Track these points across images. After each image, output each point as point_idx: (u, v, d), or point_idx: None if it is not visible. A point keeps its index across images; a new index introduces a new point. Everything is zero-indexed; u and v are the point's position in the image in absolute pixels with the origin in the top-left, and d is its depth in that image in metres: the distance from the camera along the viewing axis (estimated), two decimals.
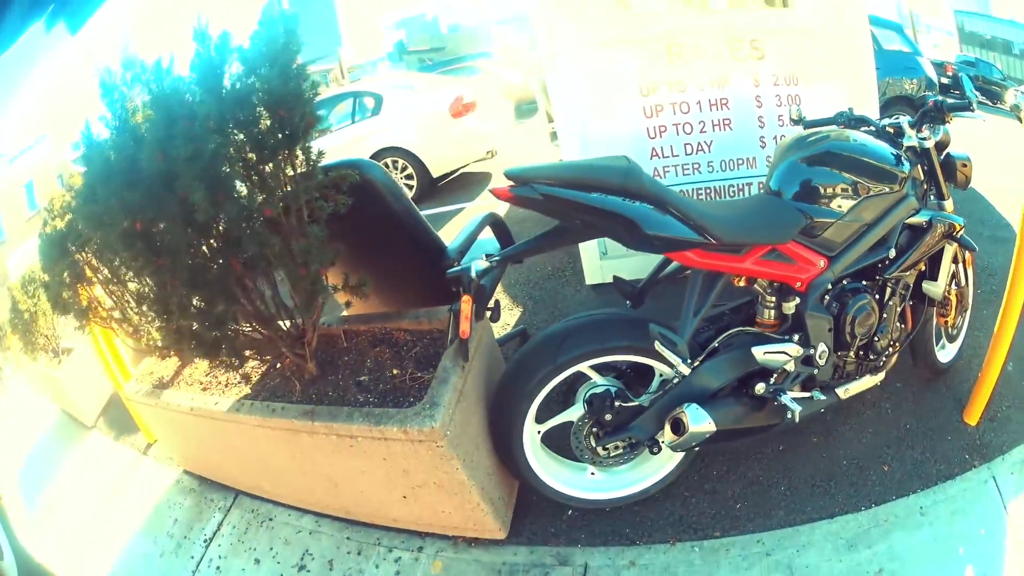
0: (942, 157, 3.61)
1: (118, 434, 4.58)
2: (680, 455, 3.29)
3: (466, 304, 2.70)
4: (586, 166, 2.78)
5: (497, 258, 2.81)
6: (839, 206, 3.10)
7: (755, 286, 3.11)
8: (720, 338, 3.01)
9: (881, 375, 3.45)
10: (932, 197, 3.65)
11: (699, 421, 2.81)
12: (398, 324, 3.42)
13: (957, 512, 3.23)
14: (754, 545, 3.19)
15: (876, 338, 3.25)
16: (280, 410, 2.98)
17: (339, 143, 9.94)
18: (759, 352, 2.91)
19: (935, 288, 3.45)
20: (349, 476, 3.08)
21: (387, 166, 9.55)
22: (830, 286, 3.12)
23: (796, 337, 3.05)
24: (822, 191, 3.09)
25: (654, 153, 4.71)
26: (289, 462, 3.21)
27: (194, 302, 2.85)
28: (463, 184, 10.89)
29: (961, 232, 3.54)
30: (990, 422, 3.82)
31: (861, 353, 3.29)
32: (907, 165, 3.35)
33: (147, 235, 2.72)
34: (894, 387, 4.03)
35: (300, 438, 2.99)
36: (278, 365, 3.32)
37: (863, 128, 3.62)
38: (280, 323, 3.06)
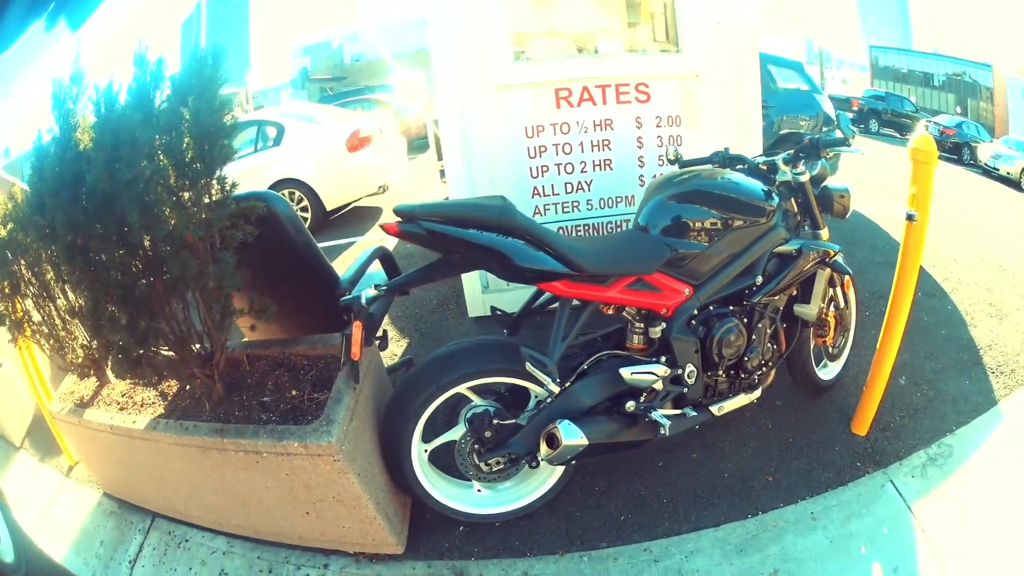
0: (819, 190, 3.90)
1: (43, 455, 4.65)
2: (559, 471, 3.50)
3: (356, 329, 2.87)
4: (465, 204, 3.02)
5: (385, 288, 3.01)
6: (704, 239, 3.37)
7: (624, 313, 3.37)
8: (589, 360, 3.28)
9: (757, 393, 3.70)
10: (807, 227, 3.95)
11: (571, 436, 3.02)
12: (296, 349, 3.59)
13: (853, 515, 3.47)
14: (642, 553, 3.36)
15: (746, 358, 3.50)
16: (192, 428, 3.10)
17: (242, 171, 9.83)
18: (626, 372, 3.17)
19: (807, 311, 3.72)
20: (257, 493, 3.21)
21: (286, 197, 9.83)
22: (696, 311, 3.39)
23: (663, 359, 3.32)
24: (687, 225, 3.36)
25: (535, 192, 4.93)
26: (202, 480, 3.33)
27: (122, 318, 2.97)
28: (355, 218, 11.13)
29: (836, 258, 3.82)
30: (883, 431, 4.11)
31: (732, 373, 3.55)
32: (776, 199, 3.63)
33: (86, 251, 2.87)
34: (775, 405, 4.30)
35: (211, 455, 3.11)
36: (187, 387, 3.45)
37: (737, 166, 3.91)
38: (192, 346, 3.20)
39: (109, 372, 3.53)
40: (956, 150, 25.78)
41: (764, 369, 3.67)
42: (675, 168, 3.92)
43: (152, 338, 3.04)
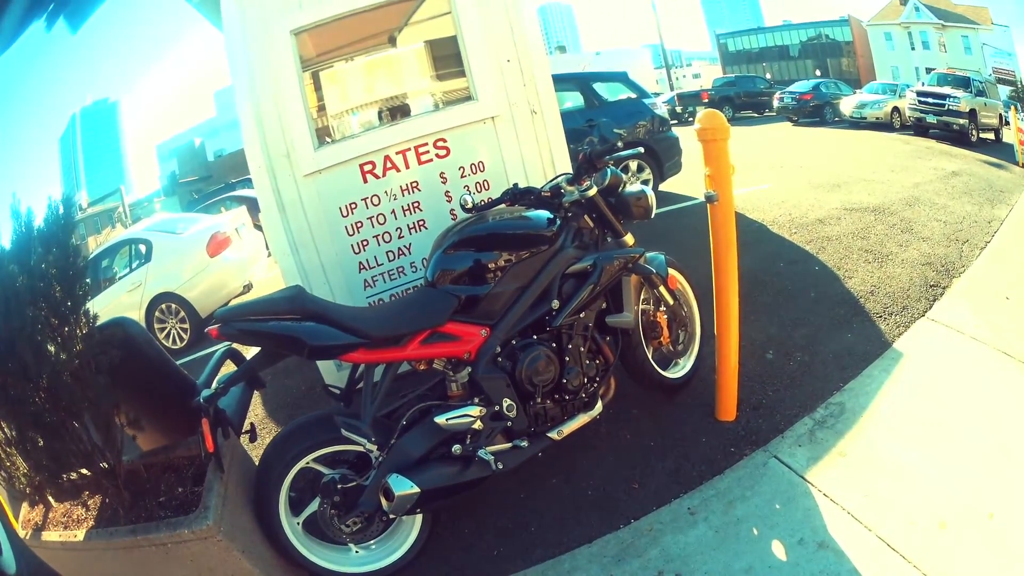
0: (614, 199, 3.96)
1: None
2: (418, 521, 3.58)
3: (204, 426, 3.07)
4: (263, 301, 3.22)
5: (222, 384, 3.19)
6: (487, 280, 3.46)
7: (434, 366, 3.44)
8: (408, 415, 3.34)
9: (597, 408, 3.74)
10: (610, 238, 4.01)
11: (402, 487, 3.13)
12: (176, 454, 3.74)
13: (736, 500, 3.47)
14: None
15: (564, 381, 3.55)
16: (114, 532, 3.29)
17: (124, 290, 10.26)
18: (441, 420, 3.26)
19: (621, 320, 3.77)
20: None
21: (164, 311, 10.00)
22: (499, 348, 3.46)
23: (477, 400, 3.38)
24: (466, 271, 3.49)
25: (361, 266, 4.95)
26: None
27: (40, 442, 3.22)
28: None
29: (639, 262, 3.86)
30: (755, 411, 4.14)
31: (556, 397, 3.59)
32: (557, 223, 3.69)
33: (4, 387, 3.12)
34: (631, 414, 4.31)
35: (134, 554, 3.28)
36: (106, 500, 3.56)
37: (527, 199, 3.97)
38: (99, 463, 3.35)
39: (49, 497, 3.65)
40: (817, 112, 26.46)
41: (593, 386, 3.72)
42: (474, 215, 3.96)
43: (65, 458, 3.26)
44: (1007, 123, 18.84)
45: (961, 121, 18.68)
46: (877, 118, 22.66)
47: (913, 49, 41.46)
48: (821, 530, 3.16)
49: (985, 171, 11.86)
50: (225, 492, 3.27)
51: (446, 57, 5.46)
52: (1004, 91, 25.35)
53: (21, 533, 3.81)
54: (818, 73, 46.14)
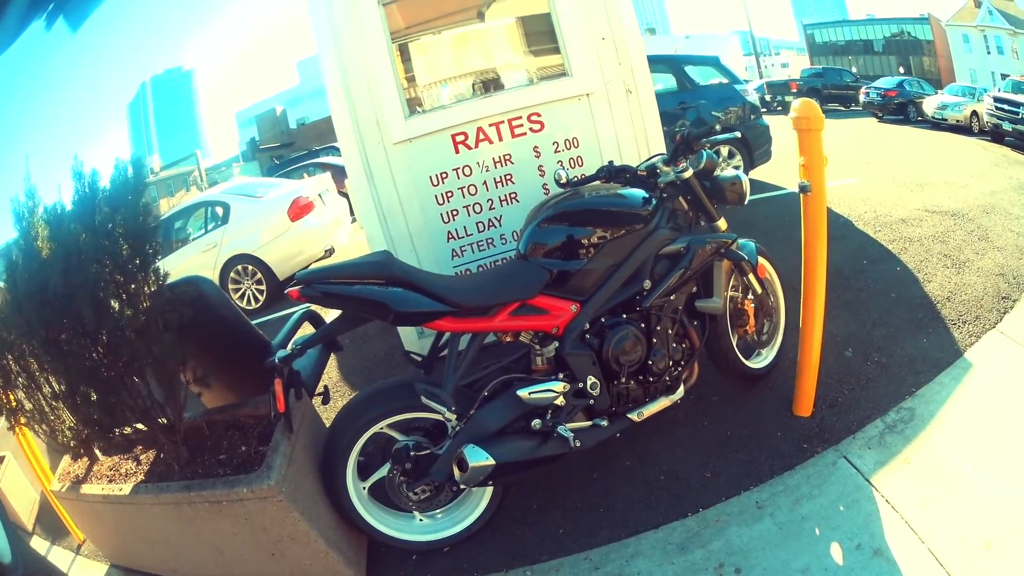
0: (709, 182, 3.92)
1: (54, 537, 4.72)
2: (488, 494, 3.61)
3: (277, 386, 3.10)
4: (350, 264, 3.24)
5: (299, 346, 3.23)
6: (580, 255, 3.46)
7: (521, 339, 3.46)
8: (490, 386, 3.36)
9: (679, 393, 3.72)
10: (703, 221, 3.99)
11: (477, 458, 3.14)
12: (243, 411, 3.81)
13: (803, 498, 3.43)
14: (582, 562, 3.39)
15: (650, 363, 3.54)
16: (165, 487, 3.34)
17: (198, 250, 10.46)
18: (524, 393, 3.27)
19: (710, 304, 3.74)
20: (227, 540, 3.40)
21: (240, 272, 10.13)
22: (588, 325, 3.46)
23: (561, 376, 3.39)
24: (560, 246, 3.49)
25: (450, 236, 5.02)
26: (183, 537, 3.54)
27: (93, 397, 3.29)
28: None
29: (732, 247, 3.84)
30: (830, 408, 4.07)
31: (641, 378, 3.58)
32: (653, 203, 3.67)
33: (58, 342, 3.21)
34: (711, 401, 4.30)
35: (184, 510, 3.35)
36: (160, 455, 3.66)
37: (622, 177, 3.97)
38: (157, 418, 3.44)
39: (96, 451, 3.74)
40: (901, 109, 25.84)
41: (678, 369, 3.70)
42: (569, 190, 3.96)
43: (120, 413, 3.35)
44: None
45: None
46: (957, 120, 22.19)
47: (989, 53, 40.69)
48: (879, 536, 3.13)
49: None
50: (292, 453, 3.32)
51: (539, 33, 5.46)
52: None
53: (56, 486, 3.92)
54: (902, 70, 45.37)
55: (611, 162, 4.11)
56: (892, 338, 4.82)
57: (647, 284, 3.58)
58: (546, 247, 3.49)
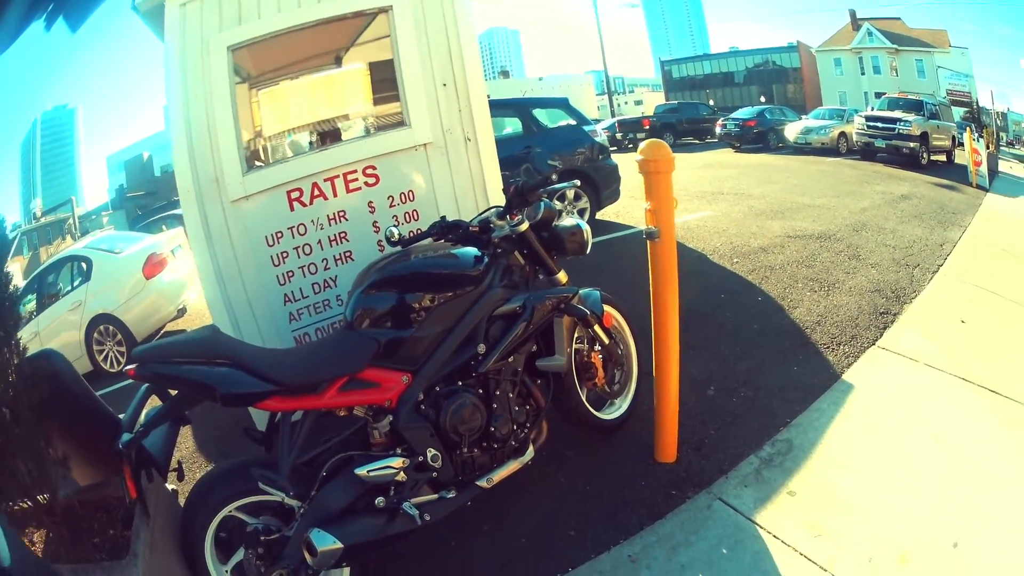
0: (547, 233, 3.80)
1: None
2: (346, 573, 3.37)
3: (126, 472, 2.97)
4: (177, 342, 3.09)
5: (142, 428, 3.04)
6: (408, 323, 3.29)
7: (355, 412, 3.25)
8: (328, 465, 3.15)
9: (529, 454, 3.55)
10: (542, 275, 3.84)
11: (324, 543, 2.93)
12: (107, 492, 3.55)
13: (679, 546, 3.32)
14: None
15: (492, 428, 3.38)
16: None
17: (66, 308, 10.02)
18: (362, 472, 3.07)
19: (552, 363, 3.61)
20: None
21: (103, 332, 9.69)
22: (422, 396, 3.27)
23: (399, 450, 3.20)
24: (387, 314, 3.32)
25: (287, 299, 4.79)
26: None
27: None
28: None
29: (574, 301, 3.70)
30: (696, 451, 3.99)
31: (484, 445, 3.41)
32: (485, 261, 3.53)
33: None
34: (564, 456, 4.11)
35: None
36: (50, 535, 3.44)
37: (455, 233, 3.78)
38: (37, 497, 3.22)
39: None
40: (761, 138, 26.93)
41: (524, 432, 3.55)
42: (399, 249, 3.81)
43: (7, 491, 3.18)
44: (960, 144, 19.36)
45: (912, 144, 19.34)
46: (823, 143, 23.09)
47: (863, 74, 42.46)
48: (772, 573, 3.05)
49: (936, 193, 12.03)
50: (151, 539, 3.13)
51: (385, 80, 5.30)
52: (958, 112, 26.04)
53: None
54: (763, 99, 46.88)
55: (444, 217, 3.94)
56: (758, 371, 4.80)
57: (481, 348, 3.43)
58: (372, 315, 3.31)
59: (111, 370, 9.54)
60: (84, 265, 10.38)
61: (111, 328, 9.76)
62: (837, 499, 3.44)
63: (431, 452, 3.23)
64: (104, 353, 9.68)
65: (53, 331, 9.56)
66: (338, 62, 6.03)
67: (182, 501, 3.58)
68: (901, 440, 3.83)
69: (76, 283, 10.30)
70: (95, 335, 9.72)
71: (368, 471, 3.09)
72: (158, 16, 4.62)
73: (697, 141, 32.00)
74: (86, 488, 3.66)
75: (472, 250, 3.59)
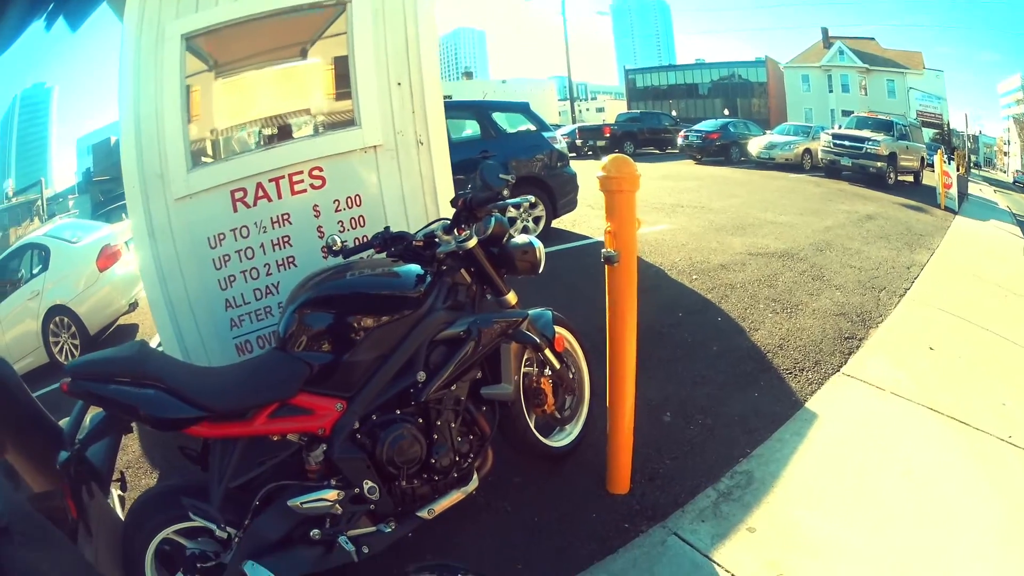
0: (498, 249, 3.61)
1: None
2: None
3: (65, 491, 2.84)
4: (107, 357, 2.89)
5: (79, 444, 2.88)
6: (342, 347, 3.07)
7: (288, 438, 3.05)
8: (260, 495, 2.96)
9: (473, 483, 3.32)
10: (490, 296, 3.65)
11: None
12: (54, 503, 3.24)
13: None
14: None
15: (433, 460, 3.16)
16: None
17: (24, 298, 9.83)
18: (296, 503, 2.87)
19: (498, 392, 3.39)
20: None
21: (58, 324, 9.53)
22: (358, 424, 3.06)
23: (334, 481, 2.98)
24: (320, 336, 3.10)
25: (228, 304, 4.59)
26: None
27: None
28: (119, 341, 10.33)
29: (523, 326, 3.49)
30: (650, 481, 3.81)
31: (425, 476, 3.19)
32: (427, 280, 3.33)
33: None
34: (511, 483, 3.88)
35: None
36: None
37: (398, 246, 3.58)
38: None
39: None
40: (723, 151, 27.01)
41: (467, 461, 3.34)
42: (340, 259, 3.62)
43: None
44: (930, 166, 19.59)
45: (879, 164, 19.62)
46: (787, 159, 23.20)
47: (831, 91, 43.07)
48: None
49: (903, 214, 12.04)
50: (96, 558, 2.99)
51: (340, 78, 5.11)
52: (928, 133, 26.38)
53: None
54: (727, 112, 47.32)
55: (387, 228, 3.75)
56: (717, 396, 4.64)
57: (422, 376, 3.19)
58: (304, 337, 3.08)
59: (67, 363, 9.38)
60: (43, 253, 10.25)
61: (66, 320, 9.61)
62: (800, 537, 3.29)
63: (368, 484, 3.01)
64: (60, 345, 9.49)
65: (13, 319, 9.49)
66: (296, 57, 5.85)
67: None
68: (867, 474, 3.71)
69: (36, 271, 10.13)
70: (51, 326, 9.57)
71: (301, 503, 2.89)
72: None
73: (658, 151, 32.17)
74: (45, 495, 3.37)
75: (414, 268, 3.38)
